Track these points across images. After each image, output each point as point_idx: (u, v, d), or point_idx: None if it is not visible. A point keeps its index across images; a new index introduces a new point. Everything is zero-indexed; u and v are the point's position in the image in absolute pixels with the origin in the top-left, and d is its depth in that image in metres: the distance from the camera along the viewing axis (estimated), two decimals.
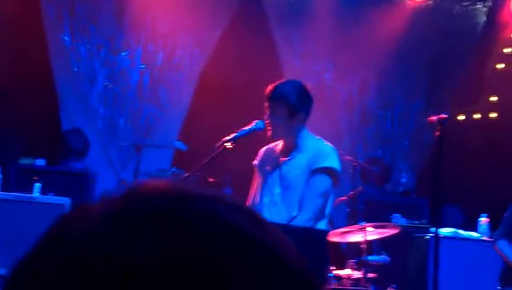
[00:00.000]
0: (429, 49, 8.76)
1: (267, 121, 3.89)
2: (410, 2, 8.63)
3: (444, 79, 8.75)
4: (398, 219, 7.01)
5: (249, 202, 4.12)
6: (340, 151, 4.91)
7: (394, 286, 5.89)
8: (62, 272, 0.54)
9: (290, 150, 3.96)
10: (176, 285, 0.53)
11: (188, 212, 0.58)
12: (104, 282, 0.53)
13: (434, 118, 4.09)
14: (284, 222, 3.82)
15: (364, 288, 5.28)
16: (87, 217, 0.58)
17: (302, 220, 3.75)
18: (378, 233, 5.55)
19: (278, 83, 3.92)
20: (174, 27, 8.18)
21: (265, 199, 3.96)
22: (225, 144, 3.87)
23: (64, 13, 7.84)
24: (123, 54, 8.10)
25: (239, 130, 3.92)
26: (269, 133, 3.93)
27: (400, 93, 8.91)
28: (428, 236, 6.08)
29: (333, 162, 3.87)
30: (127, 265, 0.53)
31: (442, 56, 8.72)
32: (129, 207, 0.58)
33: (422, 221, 7.13)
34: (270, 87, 3.90)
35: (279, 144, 4.05)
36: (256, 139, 4.08)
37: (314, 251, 3.51)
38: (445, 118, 4.04)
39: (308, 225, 3.74)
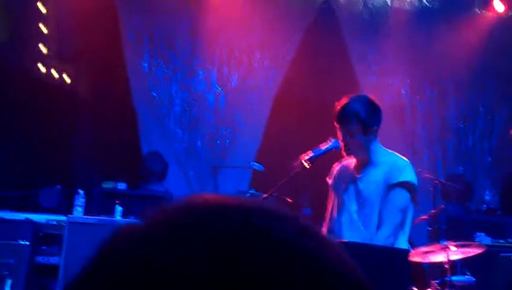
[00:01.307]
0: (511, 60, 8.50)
1: (342, 142, 3.85)
2: (490, 13, 8.44)
3: None
4: (483, 237, 6.80)
5: (326, 222, 4.07)
6: (419, 169, 4.81)
7: None
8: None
9: (363, 165, 3.90)
10: None
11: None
12: None
13: None
14: (364, 240, 3.75)
15: None
16: (135, 234, 0.60)
17: (381, 237, 3.67)
18: (462, 253, 5.38)
19: (344, 102, 3.86)
20: (247, 48, 8.25)
21: (343, 218, 3.91)
22: (302, 164, 3.85)
23: (143, 37, 8.04)
24: (199, 76, 8.23)
25: (316, 149, 3.89)
26: (344, 152, 3.89)
27: (482, 106, 8.68)
28: None
29: (410, 175, 3.79)
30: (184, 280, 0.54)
31: None
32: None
33: (509, 239, 6.89)
34: (338, 108, 3.85)
35: (352, 160, 4.00)
36: (333, 157, 4.04)
37: (395, 271, 3.43)
38: None
39: (389, 242, 3.66)
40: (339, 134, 3.86)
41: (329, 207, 4.06)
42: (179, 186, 7.82)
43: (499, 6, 8.35)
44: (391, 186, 3.75)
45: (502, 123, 8.57)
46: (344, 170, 4.04)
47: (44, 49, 7.79)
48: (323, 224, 4.10)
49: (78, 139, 7.90)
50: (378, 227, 3.74)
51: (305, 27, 8.31)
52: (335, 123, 3.87)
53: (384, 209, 3.74)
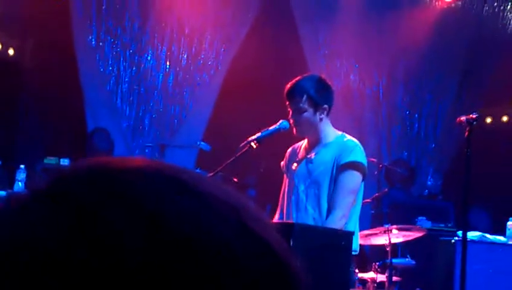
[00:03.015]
0: (458, 50, 8.66)
1: (292, 120, 3.86)
2: (439, 2, 8.56)
3: (472, 80, 8.64)
4: (424, 222, 6.94)
5: (279, 205, 4.08)
6: (365, 153, 4.86)
7: (419, 289, 5.82)
8: None
9: (314, 145, 3.93)
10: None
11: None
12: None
13: (463, 118, 4.02)
14: (312, 221, 3.78)
15: None
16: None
17: (334, 219, 3.70)
18: (403, 236, 5.49)
19: (295, 80, 3.90)
20: (199, 27, 8.18)
21: (292, 198, 3.93)
22: (250, 144, 3.84)
23: (91, 12, 7.88)
24: (148, 54, 8.12)
25: (263, 130, 3.89)
26: (295, 131, 3.90)
27: (428, 94, 8.82)
28: (454, 240, 6.00)
29: (359, 156, 3.83)
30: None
31: (472, 57, 8.61)
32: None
33: (448, 224, 7.05)
34: (288, 85, 3.88)
35: (303, 142, 4.03)
36: (281, 139, 4.05)
37: (339, 253, 3.47)
38: (475, 118, 3.96)
39: (341, 223, 3.69)
40: (290, 112, 3.87)
41: (282, 189, 4.08)
42: None
43: None
44: (341, 167, 3.78)
45: (446, 111, 8.73)
46: (295, 151, 4.06)
47: None
48: (277, 207, 4.12)
49: (21, 113, 7.73)
50: (329, 208, 3.77)
51: (257, 8, 8.28)
52: (286, 101, 3.89)
53: (336, 191, 3.77)
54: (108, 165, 0.59)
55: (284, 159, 4.12)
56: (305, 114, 3.83)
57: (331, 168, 3.81)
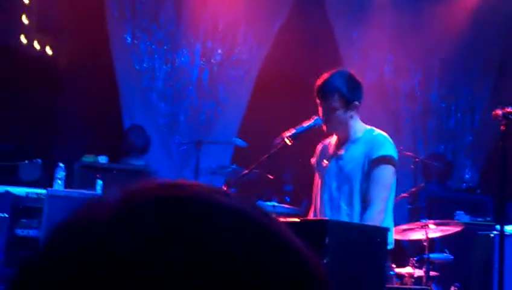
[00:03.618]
0: (496, 41, 8.52)
1: (323, 118, 3.85)
2: None
3: (510, 71, 8.49)
4: (462, 216, 6.85)
5: (312, 203, 4.09)
6: (401, 147, 4.83)
7: (457, 284, 5.77)
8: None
9: (344, 142, 3.93)
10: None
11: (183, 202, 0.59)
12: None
13: (499, 111, 3.96)
14: (345, 217, 3.78)
15: (426, 287, 5.18)
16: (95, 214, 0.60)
17: (372, 214, 3.69)
18: (441, 230, 5.45)
19: (325, 77, 3.87)
20: (232, 23, 8.19)
21: (325, 196, 3.93)
22: (284, 141, 3.85)
23: (126, 10, 7.95)
24: (182, 50, 8.16)
25: (298, 126, 3.89)
26: (325, 128, 3.90)
27: (465, 87, 8.70)
28: (493, 234, 5.92)
29: (390, 149, 3.82)
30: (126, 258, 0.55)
31: (509, 47, 8.47)
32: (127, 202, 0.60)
33: (487, 218, 6.96)
34: (319, 83, 3.86)
35: (333, 139, 4.02)
36: (316, 135, 4.05)
37: (375, 249, 3.45)
38: (511, 111, 3.91)
39: (380, 218, 3.69)
40: (320, 110, 3.86)
41: (314, 187, 4.08)
42: (161, 160, 7.80)
43: None
44: (373, 162, 3.77)
45: (483, 104, 8.61)
46: (326, 148, 4.06)
47: (26, 21, 7.69)
48: (311, 204, 4.12)
49: (59, 111, 7.84)
50: (365, 204, 3.76)
51: (290, 3, 8.26)
52: (316, 99, 3.88)
53: (370, 186, 3.76)
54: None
55: (314, 155, 4.11)
56: (336, 112, 3.82)
57: (362, 164, 3.81)
